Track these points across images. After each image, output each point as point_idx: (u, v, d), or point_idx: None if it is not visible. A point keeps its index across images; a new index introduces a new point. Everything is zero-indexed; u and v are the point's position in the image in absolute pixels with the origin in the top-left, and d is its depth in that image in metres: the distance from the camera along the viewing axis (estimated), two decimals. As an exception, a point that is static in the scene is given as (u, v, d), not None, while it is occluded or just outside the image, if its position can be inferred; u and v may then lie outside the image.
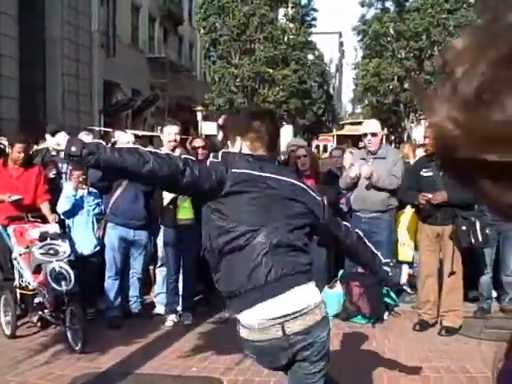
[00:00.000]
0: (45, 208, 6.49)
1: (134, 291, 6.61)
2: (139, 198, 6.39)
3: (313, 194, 2.90)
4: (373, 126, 6.70)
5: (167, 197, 6.16)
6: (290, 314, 2.55)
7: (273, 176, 2.72)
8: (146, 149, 2.62)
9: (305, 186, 2.90)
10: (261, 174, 2.68)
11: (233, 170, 2.63)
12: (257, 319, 2.57)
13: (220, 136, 6.32)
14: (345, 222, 3.19)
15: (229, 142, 3.07)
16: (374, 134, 6.45)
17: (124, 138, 6.54)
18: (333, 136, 31.77)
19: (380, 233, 6.43)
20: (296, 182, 2.85)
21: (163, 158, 2.55)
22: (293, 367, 2.67)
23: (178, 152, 6.35)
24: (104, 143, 2.59)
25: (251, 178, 2.65)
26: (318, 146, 30.12)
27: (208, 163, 2.69)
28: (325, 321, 2.66)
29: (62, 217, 6.54)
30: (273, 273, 2.55)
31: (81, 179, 6.50)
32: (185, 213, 6.18)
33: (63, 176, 7.09)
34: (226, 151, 2.87)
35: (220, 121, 6.40)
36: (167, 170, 2.53)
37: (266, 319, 2.55)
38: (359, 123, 28.22)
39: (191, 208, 6.18)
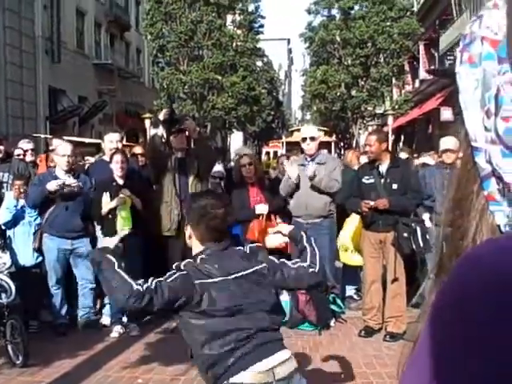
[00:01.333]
0: None
1: (85, 301, 6.51)
2: (76, 210, 6.30)
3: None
4: (311, 130, 6.89)
5: (105, 206, 6.08)
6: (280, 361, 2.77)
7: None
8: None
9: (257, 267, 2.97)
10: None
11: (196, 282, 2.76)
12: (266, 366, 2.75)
13: (161, 132, 6.15)
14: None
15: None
16: (312, 138, 6.57)
17: (61, 149, 6.40)
18: (282, 143, 32.01)
19: (322, 238, 6.51)
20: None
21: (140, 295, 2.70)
22: None
23: (117, 158, 6.23)
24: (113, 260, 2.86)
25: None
26: (268, 153, 30.28)
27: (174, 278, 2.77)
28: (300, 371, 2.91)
29: (3, 227, 6.38)
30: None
31: (22, 190, 6.36)
32: (124, 223, 6.11)
33: (4, 185, 6.91)
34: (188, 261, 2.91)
35: (161, 116, 6.25)
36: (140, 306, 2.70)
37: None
38: (307, 130, 28.51)
39: (131, 218, 6.11)
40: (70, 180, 6.17)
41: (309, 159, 6.62)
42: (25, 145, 8.09)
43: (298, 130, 31.79)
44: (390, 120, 25.63)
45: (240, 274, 2.86)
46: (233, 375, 2.68)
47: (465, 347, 0.60)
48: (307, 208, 6.46)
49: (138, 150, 7.49)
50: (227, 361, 2.69)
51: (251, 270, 2.91)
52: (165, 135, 6.19)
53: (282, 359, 2.77)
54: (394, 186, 5.91)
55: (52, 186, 6.09)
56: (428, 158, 8.86)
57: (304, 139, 6.65)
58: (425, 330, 0.67)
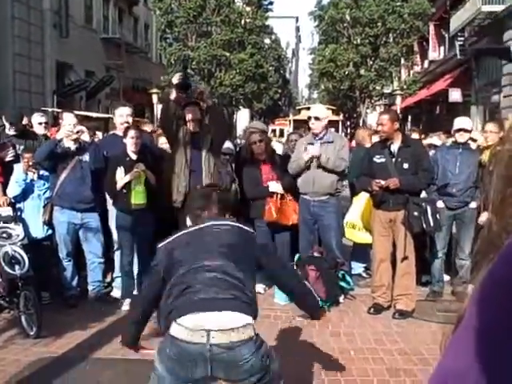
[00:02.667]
0: None
1: (95, 276, 6.56)
2: (86, 181, 6.31)
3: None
4: (316, 110, 6.91)
5: (120, 181, 6.11)
6: (219, 328, 2.60)
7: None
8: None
9: None
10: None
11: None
12: (193, 322, 2.62)
13: (173, 96, 6.14)
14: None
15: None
16: (316, 118, 6.59)
17: (67, 119, 6.43)
18: (289, 121, 31.91)
19: (328, 216, 6.58)
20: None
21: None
22: None
23: (132, 133, 6.24)
24: None
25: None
26: (274, 131, 30.24)
27: None
28: (253, 342, 2.65)
29: (13, 201, 6.41)
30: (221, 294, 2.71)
31: (31, 162, 6.37)
32: (139, 197, 6.14)
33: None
34: None
35: (175, 79, 6.18)
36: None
37: (200, 325, 2.61)
38: (315, 108, 28.41)
39: (145, 193, 6.15)
40: (80, 127, 6.20)
41: (317, 138, 6.65)
42: (38, 118, 8.12)
43: (307, 109, 31.78)
44: (398, 100, 25.55)
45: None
46: (168, 327, 2.67)
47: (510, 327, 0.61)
48: (314, 185, 6.50)
49: (146, 127, 7.47)
50: (168, 310, 2.74)
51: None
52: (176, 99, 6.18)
53: (225, 323, 2.61)
54: (405, 166, 5.92)
55: (60, 134, 6.13)
56: (435, 139, 8.83)
57: (309, 118, 6.70)
58: (471, 309, 0.68)
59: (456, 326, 0.78)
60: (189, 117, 6.24)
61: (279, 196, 6.67)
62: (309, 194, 6.58)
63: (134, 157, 6.23)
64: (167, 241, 2.98)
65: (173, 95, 6.22)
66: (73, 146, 6.29)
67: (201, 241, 2.90)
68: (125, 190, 6.13)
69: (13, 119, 7.33)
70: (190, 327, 2.60)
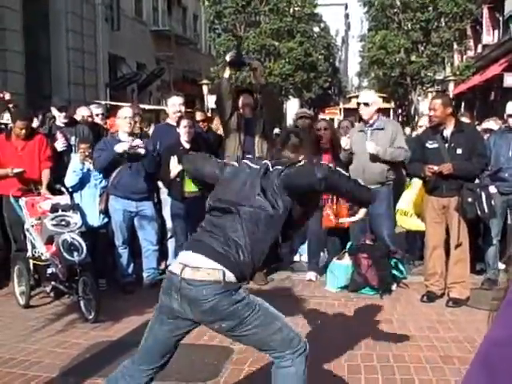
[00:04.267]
0: (44, 175, 6.58)
1: (149, 263, 6.70)
2: (140, 172, 6.45)
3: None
4: (365, 96, 6.84)
5: (174, 170, 6.20)
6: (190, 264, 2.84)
7: None
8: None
9: None
10: None
11: None
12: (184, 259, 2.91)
13: (228, 74, 6.25)
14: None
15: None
16: (366, 104, 6.53)
17: (123, 112, 6.61)
18: (339, 109, 31.65)
19: (379, 205, 6.49)
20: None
21: None
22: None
23: (184, 122, 6.36)
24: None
25: None
26: (324, 119, 30.01)
27: None
28: (220, 287, 2.77)
29: (71, 190, 6.59)
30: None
31: (87, 153, 6.54)
32: (192, 186, 6.23)
33: (73, 149, 7.13)
34: None
35: (228, 57, 6.25)
36: None
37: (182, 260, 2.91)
38: (366, 96, 28.05)
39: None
40: (137, 141, 6.33)
41: (367, 125, 6.59)
42: (94, 109, 8.37)
43: (357, 97, 31.42)
44: (450, 86, 25.03)
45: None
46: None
47: None
48: (364, 173, 6.39)
49: (198, 116, 7.54)
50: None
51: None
52: (231, 77, 6.28)
53: (195, 262, 2.82)
54: (459, 151, 5.82)
55: (120, 147, 6.26)
56: (492, 123, 8.63)
57: (359, 104, 6.64)
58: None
59: (501, 300, 0.79)
60: (242, 102, 6.31)
61: (334, 199, 6.61)
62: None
63: (187, 146, 6.33)
64: None
65: (226, 73, 6.30)
66: (128, 139, 6.41)
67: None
68: (178, 179, 6.23)
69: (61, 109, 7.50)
70: (178, 260, 2.97)
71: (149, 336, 3.05)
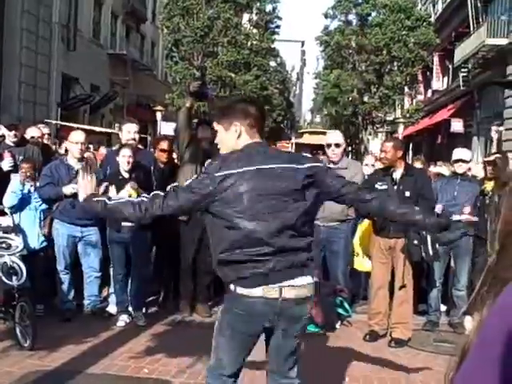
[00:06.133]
0: None
1: (91, 290, 6.53)
2: None
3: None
4: (337, 137, 6.85)
5: None
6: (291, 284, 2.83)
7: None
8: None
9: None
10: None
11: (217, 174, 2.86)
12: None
13: (189, 103, 6.23)
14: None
15: (220, 127, 3.09)
16: (337, 145, 6.58)
17: (74, 136, 6.50)
18: (291, 144, 32.00)
19: (337, 242, 6.56)
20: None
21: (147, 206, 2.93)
22: (274, 335, 2.95)
23: (124, 152, 6.24)
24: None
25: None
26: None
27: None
28: (311, 300, 2.97)
29: (9, 210, 6.38)
30: None
31: (29, 173, 6.36)
32: None
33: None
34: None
35: (191, 87, 6.21)
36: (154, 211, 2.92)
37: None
38: (319, 132, 28.50)
39: None
40: (87, 154, 6.23)
41: (332, 165, 6.64)
42: (42, 129, 8.21)
43: (309, 133, 31.88)
44: (400, 128, 25.66)
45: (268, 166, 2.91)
46: (243, 287, 2.83)
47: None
48: (324, 211, 6.41)
49: (164, 145, 7.39)
50: (241, 271, 2.82)
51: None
52: (192, 107, 6.26)
53: (296, 284, 2.84)
54: (407, 194, 5.92)
55: (68, 190, 6.13)
56: (444, 169, 8.85)
57: (329, 145, 6.63)
58: (477, 346, 0.69)
59: (461, 358, 0.78)
60: (202, 135, 6.30)
61: None
62: (319, 220, 6.54)
63: (126, 175, 6.22)
64: None
65: (188, 103, 6.28)
66: (77, 166, 6.30)
67: None
68: None
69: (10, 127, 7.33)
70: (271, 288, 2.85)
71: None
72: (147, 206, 2.89)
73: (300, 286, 2.83)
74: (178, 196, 2.93)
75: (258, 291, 2.78)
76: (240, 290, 2.82)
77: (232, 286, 2.86)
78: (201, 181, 2.88)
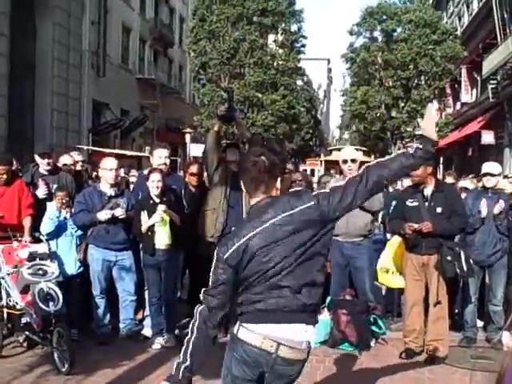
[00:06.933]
0: (26, 223, 6.48)
1: (126, 314, 6.59)
2: (119, 225, 6.43)
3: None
4: (352, 152, 6.90)
5: (144, 224, 6.21)
6: (290, 342, 2.71)
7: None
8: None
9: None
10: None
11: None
12: (266, 332, 2.71)
13: (217, 127, 6.32)
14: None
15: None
16: (353, 161, 6.59)
17: (108, 163, 6.61)
18: (320, 161, 31.99)
19: (361, 258, 6.55)
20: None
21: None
22: None
23: (153, 176, 6.33)
24: None
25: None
26: (305, 170, 30.35)
27: None
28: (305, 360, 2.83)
29: (46, 237, 6.51)
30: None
31: (64, 201, 6.52)
32: (162, 239, 6.22)
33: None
34: None
35: (219, 111, 6.26)
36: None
37: (272, 335, 2.71)
38: (347, 150, 28.44)
39: (169, 234, 6.22)
40: (118, 212, 6.32)
41: (350, 180, 6.66)
42: (75, 156, 8.37)
43: (338, 150, 31.81)
44: (430, 142, 25.40)
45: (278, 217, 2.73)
46: (245, 324, 2.74)
47: None
48: (348, 227, 6.44)
49: (194, 169, 7.46)
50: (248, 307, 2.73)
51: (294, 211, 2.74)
52: (220, 130, 6.33)
53: (296, 338, 2.71)
54: (438, 210, 5.89)
55: (102, 216, 6.29)
56: (467, 182, 8.77)
57: (345, 161, 6.64)
58: None
59: (501, 374, 0.79)
60: (230, 158, 6.36)
61: None
62: (341, 236, 6.53)
63: (157, 200, 6.31)
64: None
65: (216, 126, 6.35)
66: (109, 192, 6.44)
67: None
68: (150, 233, 6.21)
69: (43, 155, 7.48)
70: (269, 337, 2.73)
71: None
72: (205, 318, 2.75)
73: (298, 348, 2.74)
74: None
75: (256, 339, 2.72)
76: (240, 334, 2.76)
77: (236, 327, 2.81)
78: None
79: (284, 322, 2.70)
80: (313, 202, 2.74)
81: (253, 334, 2.71)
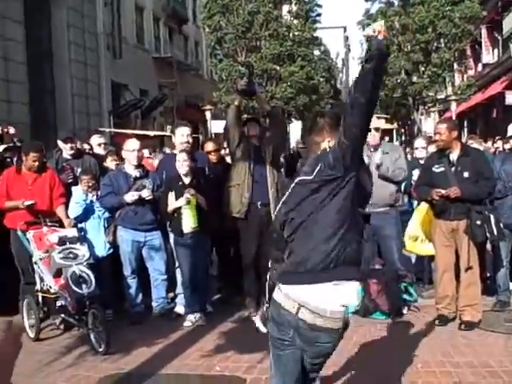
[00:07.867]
0: (60, 212, 6.54)
1: (158, 293, 6.68)
2: (147, 204, 6.48)
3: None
4: (375, 121, 6.87)
5: (170, 206, 6.24)
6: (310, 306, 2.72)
7: None
8: None
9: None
10: None
11: None
12: (293, 293, 2.75)
13: (237, 101, 6.30)
14: None
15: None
16: (376, 129, 6.61)
17: (130, 144, 6.63)
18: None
19: (388, 227, 6.53)
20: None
21: None
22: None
23: (180, 156, 6.33)
24: None
25: None
26: (327, 142, 30.16)
27: None
28: (335, 332, 2.78)
29: (74, 221, 6.58)
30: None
31: (90, 184, 6.59)
32: (189, 222, 6.20)
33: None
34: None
35: (239, 85, 6.16)
36: None
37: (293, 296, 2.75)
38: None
39: (196, 217, 6.20)
40: (145, 193, 6.37)
41: (372, 149, 6.62)
42: (97, 139, 8.42)
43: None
44: (453, 106, 25.07)
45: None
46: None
47: None
48: (373, 197, 6.38)
49: (209, 146, 7.49)
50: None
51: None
52: (241, 104, 6.33)
53: (317, 303, 2.70)
54: (466, 175, 5.82)
55: (129, 198, 6.37)
56: (474, 145, 8.65)
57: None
58: None
59: None
60: (251, 132, 6.35)
61: None
62: (368, 206, 6.51)
63: (186, 180, 6.31)
64: None
65: (236, 101, 6.33)
66: (134, 173, 6.48)
67: None
68: (176, 214, 6.24)
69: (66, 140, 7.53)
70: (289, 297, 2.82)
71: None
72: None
73: (321, 315, 2.71)
74: None
75: (281, 298, 2.78)
76: (274, 293, 2.85)
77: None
78: None
79: (306, 282, 2.73)
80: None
81: (280, 292, 2.79)
